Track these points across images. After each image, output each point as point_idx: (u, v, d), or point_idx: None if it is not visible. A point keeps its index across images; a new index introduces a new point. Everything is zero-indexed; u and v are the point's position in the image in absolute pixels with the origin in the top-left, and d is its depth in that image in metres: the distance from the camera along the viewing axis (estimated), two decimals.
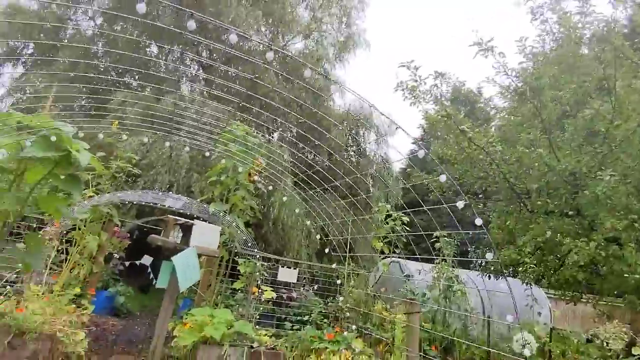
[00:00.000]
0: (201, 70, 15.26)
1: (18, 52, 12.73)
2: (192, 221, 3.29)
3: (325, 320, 6.79)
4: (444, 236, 7.71)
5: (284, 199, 9.27)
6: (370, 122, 15.09)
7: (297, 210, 10.97)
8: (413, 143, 27.99)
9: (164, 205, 5.69)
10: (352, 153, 17.38)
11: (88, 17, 13.73)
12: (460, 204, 3.49)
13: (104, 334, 5.95)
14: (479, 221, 3.37)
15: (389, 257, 8.23)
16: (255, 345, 4.69)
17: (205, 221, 4.59)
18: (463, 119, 6.46)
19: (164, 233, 3.53)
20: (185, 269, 3.10)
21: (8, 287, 4.36)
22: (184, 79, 15.01)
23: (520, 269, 6.37)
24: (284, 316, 6.95)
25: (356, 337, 5.43)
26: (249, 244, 5.59)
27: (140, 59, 12.57)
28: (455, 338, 6.37)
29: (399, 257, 8.76)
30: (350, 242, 7.62)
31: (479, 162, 6.58)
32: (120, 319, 7.31)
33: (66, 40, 13.01)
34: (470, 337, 7.57)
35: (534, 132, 6.70)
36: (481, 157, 6.40)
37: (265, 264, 6.17)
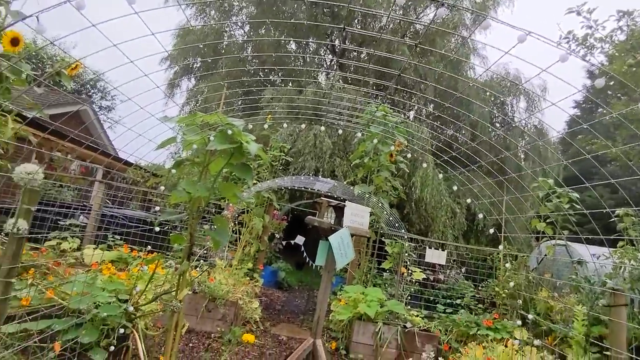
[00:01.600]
0: (335, 59, 15.76)
1: (190, 66, 15.16)
2: (344, 203, 3.43)
3: (480, 305, 6.39)
4: (630, 215, 6.36)
5: (440, 176, 8.94)
6: (518, 89, 13.42)
7: (440, 190, 10.52)
8: (574, 107, 23.66)
9: (314, 189, 6.11)
10: (498, 125, 15.74)
11: (238, 27, 15.45)
12: None
13: (271, 303, 6.80)
14: None
15: (552, 238, 7.24)
16: (408, 325, 4.70)
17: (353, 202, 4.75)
18: None
19: (318, 214, 3.78)
20: (341, 247, 3.26)
21: (201, 261, 5.33)
22: (321, 69, 15.71)
23: None
24: (432, 298, 6.79)
25: (518, 326, 4.95)
26: (396, 225, 5.60)
27: (281, 57, 13.65)
28: None
29: (565, 239, 7.62)
30: (503, 223, 6.94)
31: None
32: (283, 291, 8.24)
33: (223, 51, 14.97)
34: None
35: None
36: None
37: (411, 244, 6.10)
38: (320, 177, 5.94)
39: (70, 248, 5.51)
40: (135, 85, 4.50)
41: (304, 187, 6.16)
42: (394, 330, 4.63)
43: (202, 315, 4.43)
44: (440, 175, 7.16)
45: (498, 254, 6.46)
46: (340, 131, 8.60)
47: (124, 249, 5.55)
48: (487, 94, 13.27)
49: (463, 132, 12.27)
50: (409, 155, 6.88)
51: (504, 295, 5.76)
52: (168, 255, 5.87)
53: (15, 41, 2.49)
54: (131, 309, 2.88)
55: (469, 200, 6.61)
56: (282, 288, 8.46)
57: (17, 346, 2.21)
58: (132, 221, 6.69)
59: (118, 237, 6.02)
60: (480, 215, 6.70)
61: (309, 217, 3.38)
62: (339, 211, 3.51)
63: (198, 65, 15.66)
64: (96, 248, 5.61)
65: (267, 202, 6.04)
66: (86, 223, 6.21)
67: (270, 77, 15.37)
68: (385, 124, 6.01)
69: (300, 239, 8.68)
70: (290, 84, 12.54)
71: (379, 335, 4.57)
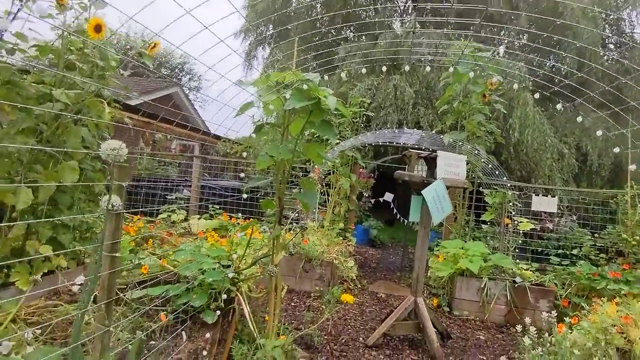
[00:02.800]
0: (410, 1, 14.51)
1: (263, 35, 15.23)
2: (435, 153, 3.12)
3: (602, 255, 5.63)
4: None
5: (547, 111, 7.94)
6: None
7: (543, 130, 9.36)
8: None
9: (399, 143, 5.78)
10: (612, 47, 13.33)
11: None
12: None
13: (366, 261, 6.82)
14: None
15: None
16: (518, 279, 4.31)
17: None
18: None
19: (408, 168, 3.53)
20: (436, 201, 3.00)
21: (294, 224, 5.46)
22: (396, 15, 14.64)
23: None
24: (540, 249, 6.18)
25: None
26: (496, 172, 5.07)
27: (351, 8, 12.95)
28: None
29: None
30: (629, 160, 5.90)
31: None
32: (376, 249, 8.22)
33: (293, 13, 14.68)
34: None
35: None
36: None
37: (514, 192, 5.51)
38: (404, 129, 5.55)
39: (178, 220, 6.05)
40: (214, 60, 4.58)
41: (389, 142, 5.86)
42: (502, 286, 4.28)
43: (300, 275, 4.57)
44: (533, 116, 6.25)
45: (624, 195, 5.54)
46: (426, 71, 7.90)
47: (223, 217, 5.93)
48: (597, 10, 11.18)
49: (568, 61, 10.63)
50: (509, 93, 6.10)
51: (634, 242, 4.96)
52: (263, 220, 6.15)
53: (98, 27, 2.59)
54: (232, 274, 3.01)
55: (599, 132, 5.66)
56: (375, 246, 8.44)
57: (141, 310, 2.45)
58: (228, 191, 7.11)
59: (217, 206, 6.45)
60: (616, 149, 5.68)
61: (398, 171, 3.15)
62: (431, 162, 3.22)
63: (270, 33, 15.66)
64: (200, 218, 6.08)
65: (351, 161, 5.89)
66: (189, 196, 6.74)
67: (343, 34, 14.79)
68: (474, 62, 5.34)
69: (389, 196, 8.47)
70: (363, 37, 11.90)
71: (485, 291, 4.27)
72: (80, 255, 3.84)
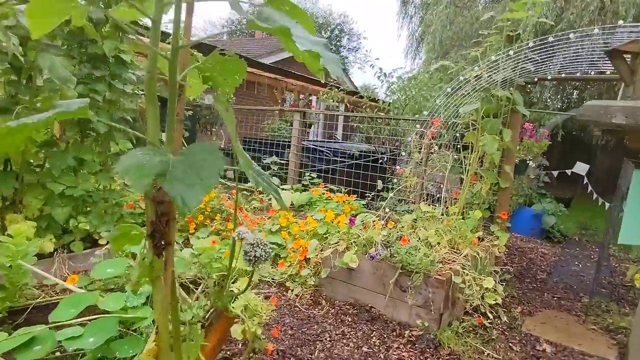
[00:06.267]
0: None
1: None
2: None
3: None
4: None
5: None
6: None
7: None
8: None
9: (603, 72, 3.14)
10: None
11: None
12: None
13: (529, 268, 4.42)
14: None
15: None
16: None
17: None
18: None
19: (626, 90, 1.31)
20: None
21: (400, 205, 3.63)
22: None
23: None
24: None
25: None
26: None
27: None
28: None
29: None
30: None
31: None
32: (552, 245, 5.54)
33: None
34: None
35: None
36: None
37: None
38: (620, 24, 2.77)
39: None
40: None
41: (582, 73, 3.26)
42: None
43: (391, 294, 2.80)
44: None
45: None
46: None
47: (314, 190, 4.50)
48: None
49: None
50: None
51: None
52: (367, 196, 4.51)
53: None
54: (200, 311, 1.56)
55: None
56: (551, 239, 5.75)
57: None
58: (337, 155, 5.64)
59: (314, 175, 5.08)
60: None
61: (592, 102, 1.05)
62: None
63: None
64: (291, 189, 4.83)
65: (506, 107, 3.55)
66: (287, 160, 5.56)
67: None
68: None
69: (581, 168, 5.60)
70: None
71: None
72: (93, 234, 3.02)
